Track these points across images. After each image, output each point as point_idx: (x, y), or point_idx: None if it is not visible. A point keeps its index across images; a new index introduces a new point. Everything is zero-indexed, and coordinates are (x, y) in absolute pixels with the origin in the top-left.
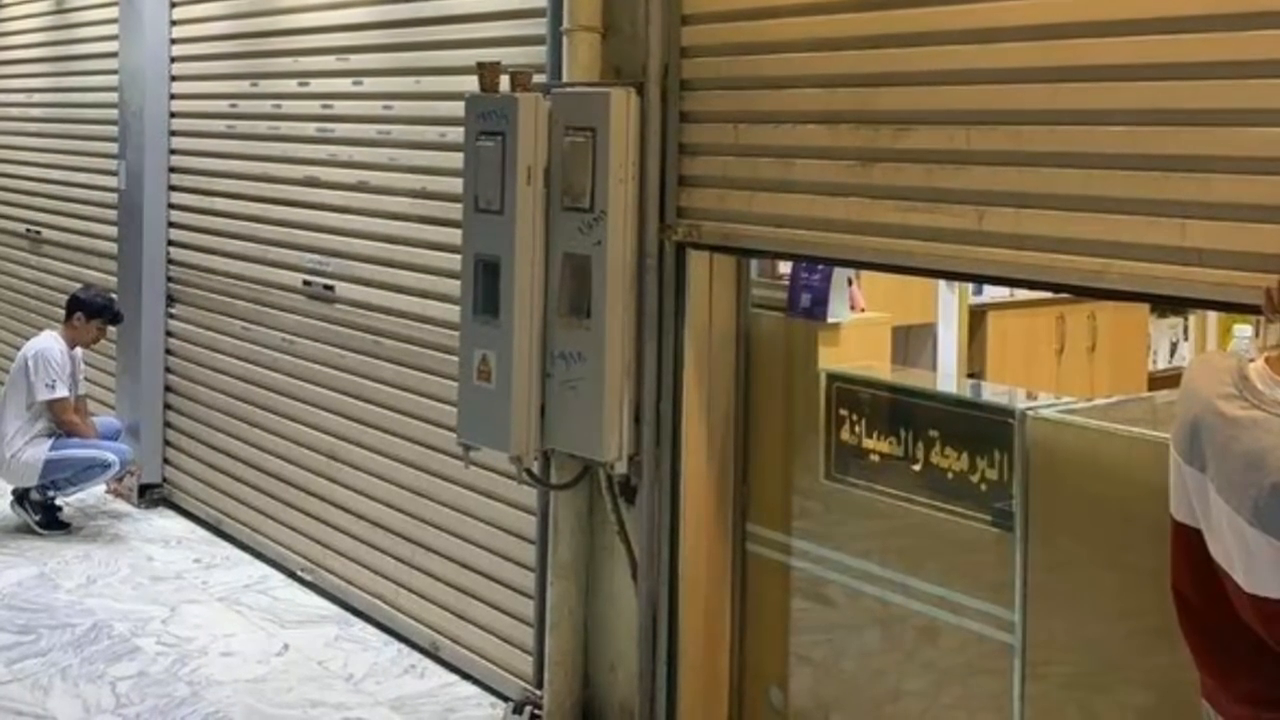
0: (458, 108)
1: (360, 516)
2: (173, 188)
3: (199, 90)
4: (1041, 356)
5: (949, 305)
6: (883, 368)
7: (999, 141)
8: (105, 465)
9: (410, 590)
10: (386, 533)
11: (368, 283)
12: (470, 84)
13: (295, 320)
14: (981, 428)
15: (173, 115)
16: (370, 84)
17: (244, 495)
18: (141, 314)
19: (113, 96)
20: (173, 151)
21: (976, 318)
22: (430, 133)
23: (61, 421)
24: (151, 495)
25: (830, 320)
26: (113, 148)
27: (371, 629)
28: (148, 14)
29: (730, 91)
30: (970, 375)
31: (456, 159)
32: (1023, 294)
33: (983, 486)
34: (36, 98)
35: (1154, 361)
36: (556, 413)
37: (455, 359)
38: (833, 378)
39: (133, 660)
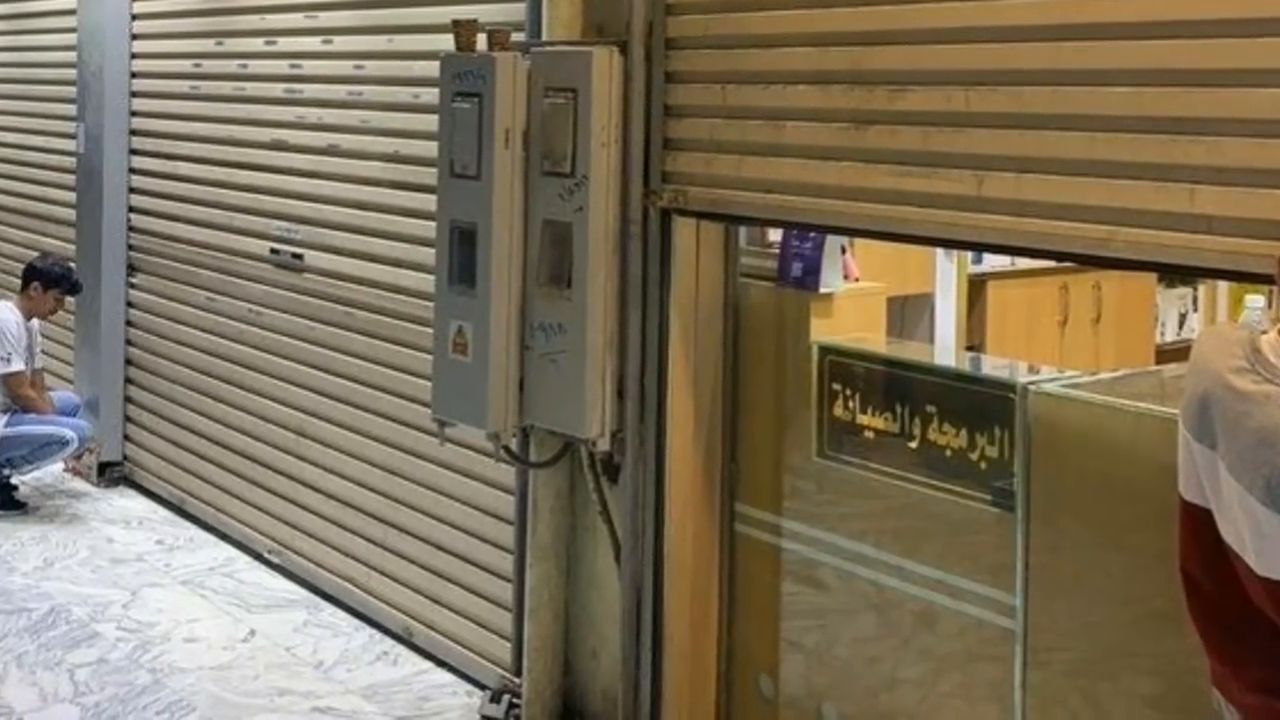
0: (432, 68)
1: (330, 496)
2: (134, 151)
3: (161, 49)
4: (1044, 328)
5: (947, 275)
6: (878, 340)
7: (999, 103)
8: (63, 442)
9: (382, 573)
10: (357, 513)
11: (338, 251)
12: (446, 43)
13: (262, 290)
14: (981, 403)
15: (134, 75)
16: (340, 42)
17: (208, 474)
18: (101, 284)
19: (71, 56)
20: (134, 113)
21: (976, 288)
22: (404, 94)
23: (17, 396)
24: (111, 474)
25: (823, 290)
26: (71, 109)
27: (342, 614)
28: None
29: (718, 50)
30: (969, 348)
31: (431, 121)
32: (1024, 263)
33: (982, 465)
34: None
35: (1162, 333)
36: (536, 387)
37: (430, 331)
38: (825, 350)
39: (92, 646)
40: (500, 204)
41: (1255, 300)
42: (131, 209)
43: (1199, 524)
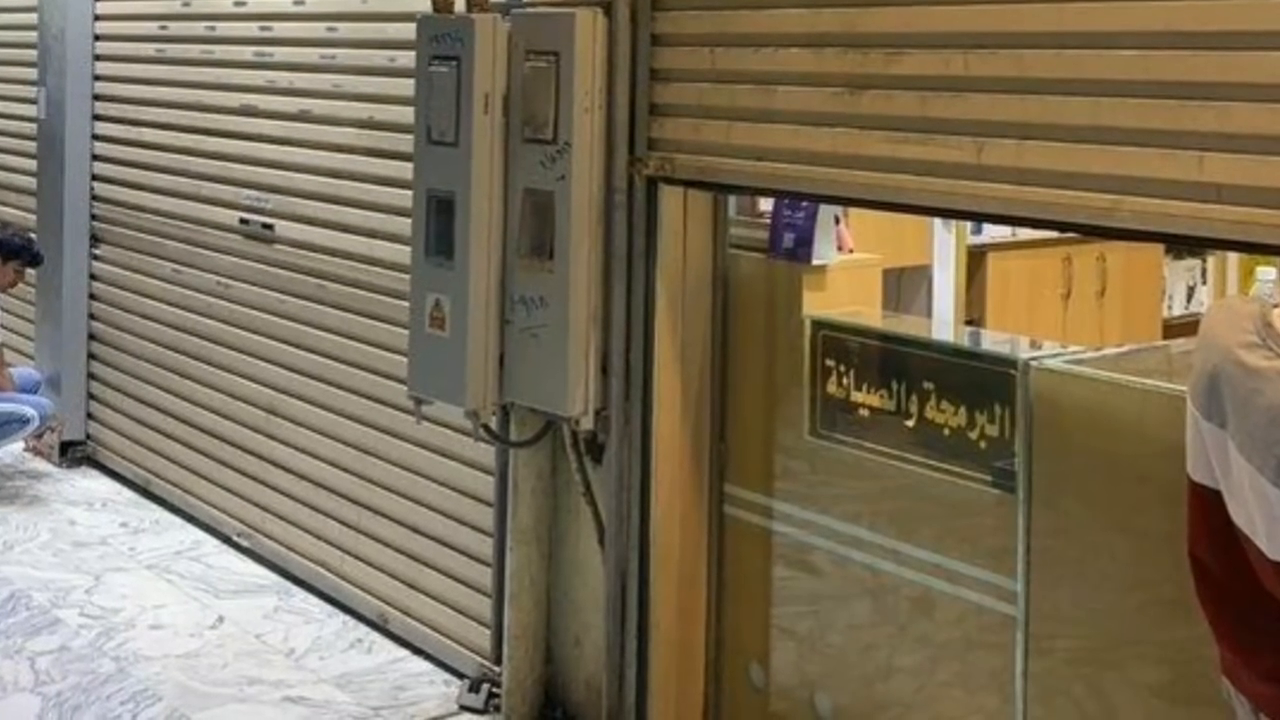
0: (409, 29)
1: (302, 477)
2: (97, 117)
3: (126, 10)
4: (1046, 302)
5: (945, 246)
6: (873, 314)
7: (1000, 67)
8: (23, 421)
9: (356, 557)
10: (330, 494)
11: (310, 221)
12: (422, 3)
13: (231, 262)
14: (981, 379)
15: (97, 38)
16: (313, 3)
17: (175, 453)
18: (63, 255)
19: (31, 17)
20: (97, 78)
21: (975, 259)
22: (379, 57)
23: None
24: (74, 453)
25: (815, 262)
26: (31, 73)
27: (314, 599)
28: None
29: (706, 12)
30: (968, 322)
31: (407, 86)
32: (1026, 234)
33: (982, 444)
34: None
35: (1169, 307)
36: (516, 363)
37: (406, 304)
38: (818, 325)
39: (53, 633)
40: (479, 172)
41: (1266, 272)
42: (95, 177)
43: (1208, 506)
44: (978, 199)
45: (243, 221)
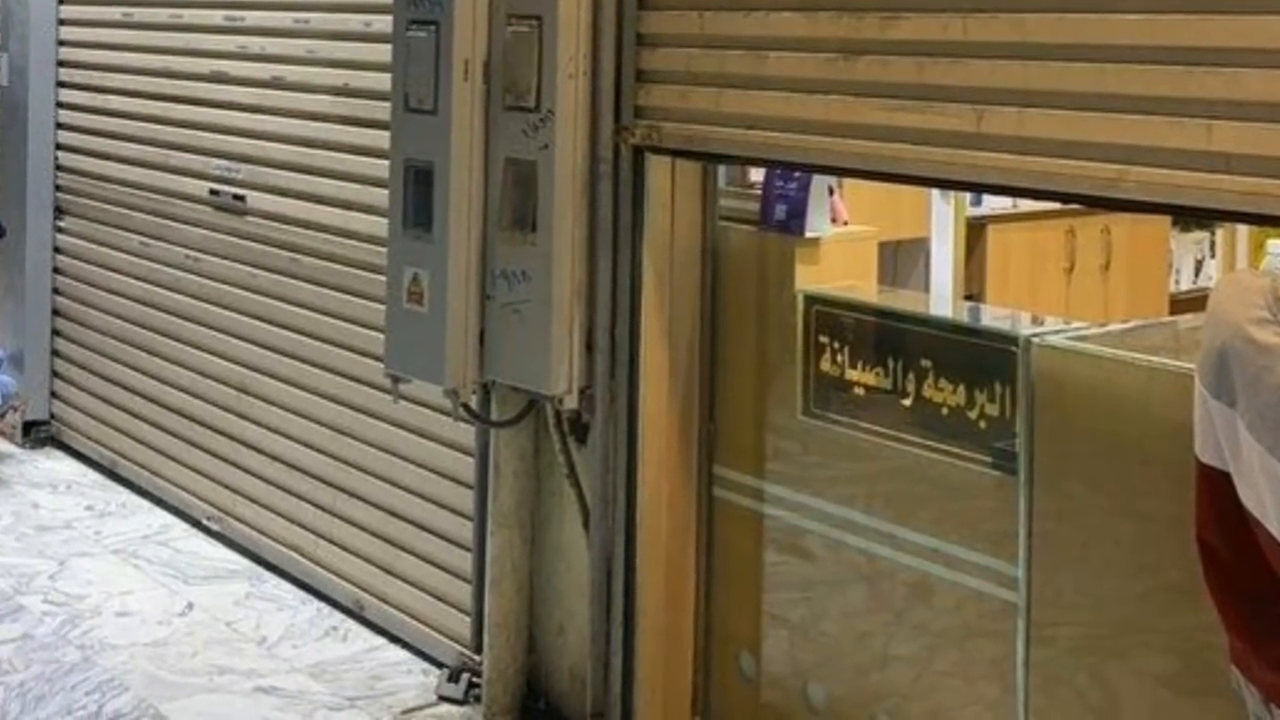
0: None
1: (274, 458)
2: (61, 84)
3: None
4: (1049, 276)
5: (943, 218)
6: (868, 289)
7: (1000, 31)
8: None
9: (331, 542)
10: (304, 476)
11: (283, 192)
12: None
13: (201, 235)
14: (980, 357)
15: (61, 1)
16: None
17: (142, 434)
18: (26, 227)
19: None
20: (61, 43)
21: (975, 232)
22: (354, 21)
23: None
24: (37, 434)
25: (808, 235)
26: None
27: (287, 585)
28: None
29: None
30: (968, 297)
31: (384, 51)
32: (1027, 205)
33: (982, 424)
34: None
35: (1176, 282)
36: (498, 339)
37: (383, 279)
38: (811, 300)
39: (16, 621)
40: (459, 141)
41: (1277, 245)
42: (59, 146)
43: (1217, 488)
44: (977, 169)
45: (213, 193)
